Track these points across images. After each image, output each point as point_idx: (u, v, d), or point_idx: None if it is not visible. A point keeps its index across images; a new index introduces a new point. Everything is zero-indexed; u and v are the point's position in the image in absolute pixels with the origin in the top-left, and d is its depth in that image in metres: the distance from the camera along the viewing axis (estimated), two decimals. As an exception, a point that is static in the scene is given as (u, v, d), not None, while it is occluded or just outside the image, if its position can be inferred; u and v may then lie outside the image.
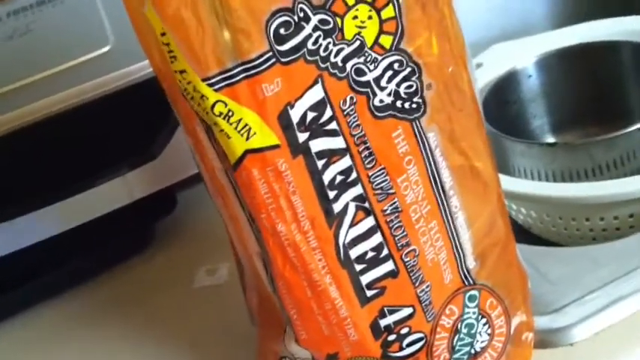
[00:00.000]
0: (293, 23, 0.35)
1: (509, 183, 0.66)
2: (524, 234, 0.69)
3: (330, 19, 0.36)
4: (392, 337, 0.42)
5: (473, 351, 0.45)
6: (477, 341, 0.45)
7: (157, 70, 0.38)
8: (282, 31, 0.35)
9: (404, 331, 0.42)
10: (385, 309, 0.42)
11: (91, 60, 0.64)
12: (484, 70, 0.77)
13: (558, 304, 0.50)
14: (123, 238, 0.68)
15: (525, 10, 0.88)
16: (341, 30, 0.37)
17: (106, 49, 0.64)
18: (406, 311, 0.42)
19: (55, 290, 0.66)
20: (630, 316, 0.49)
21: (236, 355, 0.54)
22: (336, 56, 0.37)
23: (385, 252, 0.41)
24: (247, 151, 0.37)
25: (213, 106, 0.36)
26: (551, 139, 0.78)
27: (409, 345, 0.43)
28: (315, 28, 0.36)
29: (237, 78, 0.35)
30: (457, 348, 0.44)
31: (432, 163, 0.41)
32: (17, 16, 0.62)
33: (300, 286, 0.40)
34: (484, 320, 0.45)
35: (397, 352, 0.43)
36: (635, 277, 0.50)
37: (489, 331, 0.45)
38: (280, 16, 0.35)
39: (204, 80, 0.35)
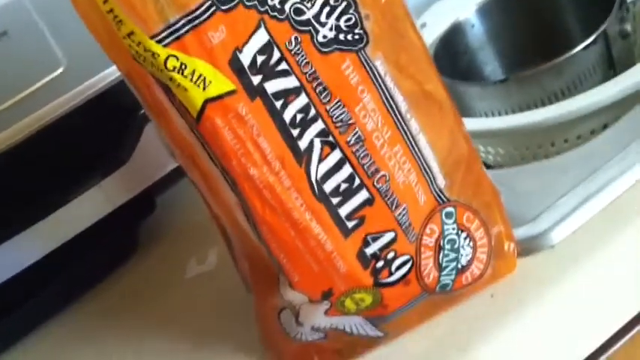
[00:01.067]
0: (226, -29, 0.37)
1: (472, 123, 0.68)
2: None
3: (261, -37, 0.38)
4: (380, 264, 0.44)
5: (460, 265, 0.47)
6: (462, 255, 0.47)
7: (107, 48, 0.40)
8: (217, -21, 0.37)
9: (390, 255, 0.44)
10: (368, 237, 0.44)
11: (47, 84, 0.65)
12: (429, 29, 0.80)
13: (533, 213, 0.52)
14: (107, 248, 0.69)
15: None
16: (273, -28, 0.39)
17: (59, 71, 0.66)
18: (388, 236, 0.44)
19: (46, 314, 0.67)
20: (601, 211, 0.51)
21: (237, 327, 0.56)
22: (272, -1, 0.39)
23: (357, 182, 0.43)
24: (206, 101, 0.39)
25: (165, 61, 0.38)
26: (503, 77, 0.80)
27: (397, 268, 0.45)
28: None
29: (183, 30, 0.38)
30: (444, 265, 0.46)
31: (385, 90, 0.43)
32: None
33: (282, 228, 0.42)
34: (464, 234, 0.46)
35: (388, 277, 0.45)
36: (599, 175, 0.52)
37: (471, 243, 0.47)
38: (213, -33, 0.37)
39: (152, 38, 0.37)
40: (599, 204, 0.51)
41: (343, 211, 0.43)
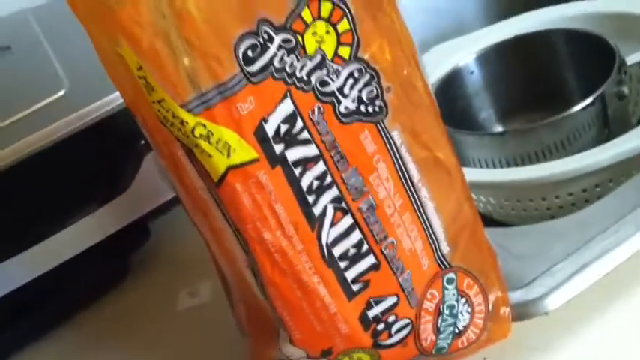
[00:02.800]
0: (259, 45, 0.38)
1: (466, 174, 0.69)
2: (486, 221, 0.72)
3: (291, 37, 0.39)
4: (381, 326, 0.45)
5: (457, 330, 0.48)
6: (460, 320, 0.48)
7: (130, 103, 0.41)
8: (249, 53, 0.38)
9: (391, 319, 0.45)
10: (371, 300, 0.45)
11: (48, 105, 0.65)
12: (428, 71, 0.81)
13: (528, 278, 0.53)
14: (98, 273, 0.69)
15: (458, 9, 0.92)
16: (303, 46, 0.40)
17: (61, 92, 0.66)
18: (391, 300, 0.45)
19: (32, 337, 0.67)
20: (597, 281, 0.52)
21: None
22: (300, 71, 0.40)
23: (365, 247, 0.44)
24: (229, 168, 0.40)
25: (193, 129, 0.39)
26: (499, 128, 0.81)
27: (397, 331, 0.46)
28: (279, 47, 0.39)
29: (214, 100, 0.38)
30: (442, 329, 0.47)
31: (399, 159, 0.44)
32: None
33: (290, 289, 0.43)
34: (463, 300, 0.48)
35: (387, 339, 0.46)
36: (595, 245, 0.54)
37: (469, 309, 0.48)
38: (247, 40, 0.38)
39: (182, 106, 0.38)
40: (594, 273, 0.52)
41: (350, 275, 0.44)
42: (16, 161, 0.63)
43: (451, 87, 0.80)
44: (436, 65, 0.81)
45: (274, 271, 0.42)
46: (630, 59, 0.72)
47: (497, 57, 0.80)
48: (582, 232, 0.55)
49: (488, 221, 0.72)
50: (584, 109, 0.69)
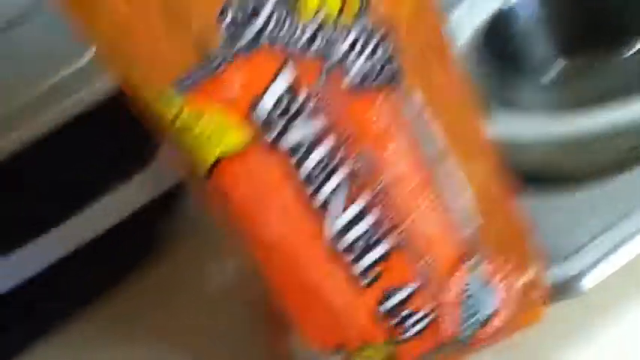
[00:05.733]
0: (247, 13, 0.33)
1: (515, 125, 0.63)
2: (537, 179, 0.67)
3: (286, -2, 0.34)
4: (396, 320, 0.41)
5: (481, 318, 0.43)
6: (485, 308, 0.43)
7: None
8: (236, 22, 0.33)
9: (407, 311, 0.41)
10: (385, 292, 0.40)
11: (69, 75, 0.60)
12: (477, 11, 0.74)
13: (562, 255, 0.48)
14: (125, 248, 0.65)
15: None
16: (301, 8, 0.34)
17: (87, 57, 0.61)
18: (407, 291, 0.41)
19: (60, 316, 0.63)
20: (636, 256, 0.47)
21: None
22: (300, 36, 0.34)
23: (378, 234, 0.39)
24: (220, 156, 0.35)
25: (178, 114, 0.34)
26: (558, 67, 0.74)
27: (414, 324, 0.42)
28: (272, 13, 0.33)
29: (199, 81, 0.33)
30: (465, 318, 0.43)
31: (420, 128, 0.38)
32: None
33: (294, 286, 0.39)
34: (489, 287, 0.43)
35: (403, 333, 0.42)
36: (636, 217, 0.48)
37: (496, 296, 0.43)
38: (232, 7, 0.33)
39: (162, 91, 0.33)
40: (634, 249, 0.47)
41: (360, 267, 0.39)
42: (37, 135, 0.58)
43: (502, 24, 0.73)
44: (485, 4, 0.74)
45: (274, 267, 0.38)
46: None
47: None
48: (621, 203, 0.50)
49: (539, 179, 0.66)
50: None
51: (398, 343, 0.42)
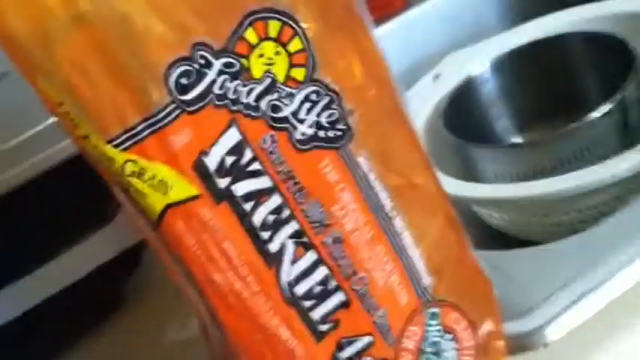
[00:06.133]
0: (194, 71, 0.35)
1: (477, 189, 0.66)
2: (499, 237, 0.69)
3: (234, 61, 0.36)
4: None
5: (442, 368, 0.44)
6: (445, 358, 0.44)
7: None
8: (183, 80, 0.35)
9: None
10: (343, 341, 0.41)
11: (39, 132, 0.63)
12: (443, 80, 0.77)
13: (527, 306, 0.49)
14: (91, 303, 0.67)
15: (477, 16, 0.88)
16: (248, 70, 0.36)
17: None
18: (365, 340, 0.42)
19: None
20: (600, 310, 0.48)
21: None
22: (247, 97, 0.37)
23: (333, 284, 0.40)
24: (167, 206, 0.36)
25: (123, 166, 0.35)
26: (517, 139, 0.77)
27: (374, 373, 0.42)
28: (220, 73, 0.36)
29: (143, 134, 0.35)
30: (425, 368, 0.44)
31: (367, 188, 0.40)
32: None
33: (248, 333, 0.40)
34: (449, 336, 0.44)
35: None
36: (600, 269, 0.49)
37: (456, 346, 0.44)
38: (179, 67, 0.35)
39: (108, 142, 0.35)
40: (598, 302, 0.48)
41: (316, 315, 0.40)
42: (4, 191, 0.61)
43: (465, 97, 0.76)
44: (451, 73, 0.77)
45: (229, 315, 0.39)
46: (651, 61, 0.67)
47: (513, 64, 0.76)
48: (587, 255, 0.51)
49: (501, 237, 0.68)
50: (602, 116, 0.64)
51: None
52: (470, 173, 0.70)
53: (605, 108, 0.64)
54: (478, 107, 0.76)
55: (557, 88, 0.75)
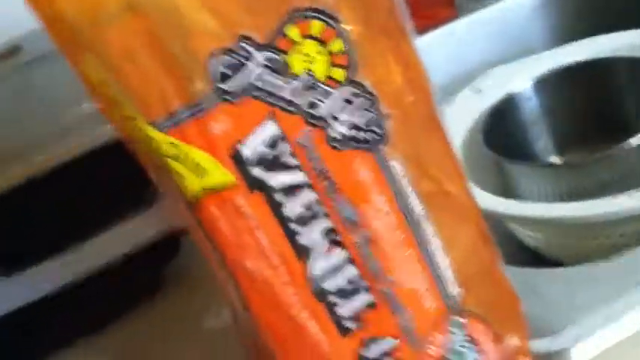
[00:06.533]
0: (236, 62, 0.36)
1: (513, 207, 0.65)
2: (532, 256, 0.68)
3: (276, 56, 0.36)
4: None
5: (465, 378, 0.44)
6: (469, 368, 0.44)
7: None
8: (225, 71, 0.36)
9: None
10: (367, 340, 0.41)
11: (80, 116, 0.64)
12: (483, 96, 0.77)
13: (555, 325, 0.49)
14: (129, 286, 0.68)
15: (524, 32, 0.87)
16: (289, 65, 0.37)
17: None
18: (389, 341, 0.42)
19: (63, 344, 0.66)
20: (628, 337, 0.47)
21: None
22: (287, 92, 0.37)
23: (360, 283, 0.40)
24: (203, 190, 0.37)
25: (163, 148, 0.36)
26: (555, 160, 0.76)
27: (396, 376, 0.42)
28: (262, 66, 0.36)
29: (184, 120, 0.36)
30: (448, 376, 0.43)
31: (401, 192, 0.40)
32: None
33: (277, 322, 0.40)
34: (474, 347, 0.44)
35: None
36: (631, 295, 0.49)
37: (481, 358, 0.44)
38: (223, 57, 0.35)
39: (151, 124, 0.36)
40: (625, 329, 0.48)
41: (342, 311, 0.41)
42: (50, 169, 0.62)
43: (506, 113, 0.75)
44: (492, 89, 0.77)
45: (260, 303, 0.40)
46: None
47: (556, 83, 0.76)
48: (620, 279, 0.51)
49: (533, 255, 0.68)
50: (641, 143, 0.64)
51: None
52: (506, 190, 0.70)
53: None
54: (518, 125, 0.76)
55: (599, 111, 0.74)
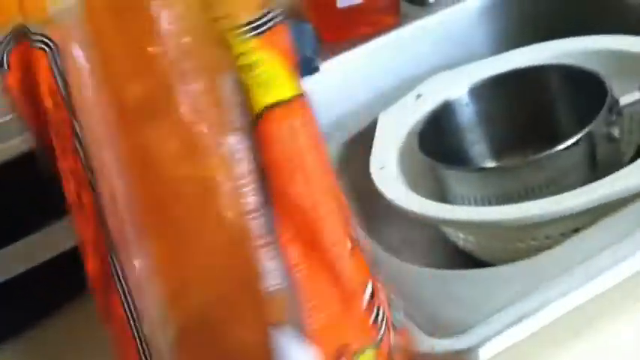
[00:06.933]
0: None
1: (445, 211, 0.67)
2: (465, 258, 0.70)
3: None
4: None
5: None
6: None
7: None
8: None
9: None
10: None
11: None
12: (423, 101, 0.79)
13: (464, 326, 0.50)
14: (54, 284, 0.67)
15: (468, 39, 0.89)
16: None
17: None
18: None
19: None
20: (532, 334, 0.49)
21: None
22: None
23: None
24: (270, 104, 0.38)
25: (246, 52, 0.37)
26: (491, 164, 0.78)
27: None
28: None
29: (266, 27, 0.37)
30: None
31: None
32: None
33: (310, 256, 0.40)
34: None
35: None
36: (538, 295, 0.51)
37: None
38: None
39: (236, 28, 0.37)
40: (530, 327, 0.49)
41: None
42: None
43: (443, 119, 0.77)
44: (432, 95, 0.79)
45: (293, 234, 0.39)
46: (624, 99, 0.68)
47: (491, 90, 0.78)
48: (530, 280, 0.53)
49: (472, 260, 0.69)
50: (568, 148, 0.66)
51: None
52: (441, 194, 0.72)
53: (572, 140, 0.65)
54: (454, 130, 0.77)
55: (532, 117, 0.76)
